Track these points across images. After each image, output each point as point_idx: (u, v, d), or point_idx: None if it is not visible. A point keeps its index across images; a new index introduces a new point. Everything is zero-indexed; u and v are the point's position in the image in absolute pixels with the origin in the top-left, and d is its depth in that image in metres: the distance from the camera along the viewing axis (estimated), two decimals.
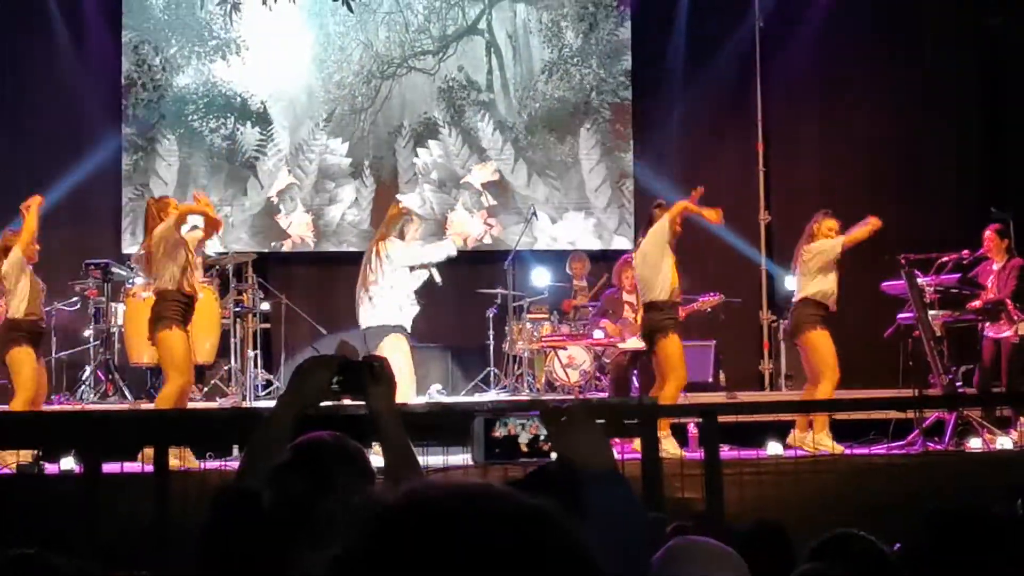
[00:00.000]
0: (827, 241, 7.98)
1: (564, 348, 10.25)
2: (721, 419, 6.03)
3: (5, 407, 7.71)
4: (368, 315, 7.72)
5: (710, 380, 10.27)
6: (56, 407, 9.25)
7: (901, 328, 8.72)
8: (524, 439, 2.34)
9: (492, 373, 10.77)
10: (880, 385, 9.23)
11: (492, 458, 2.34)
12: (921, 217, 11.43)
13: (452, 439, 5.74)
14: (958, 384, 8.70)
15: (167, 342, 7.33)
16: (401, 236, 7.80)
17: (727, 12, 12.27)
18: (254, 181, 12.03)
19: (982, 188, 11.82)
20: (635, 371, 9.34)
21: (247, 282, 10.39)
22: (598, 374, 10.26)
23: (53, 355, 10.05)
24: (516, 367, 10.43)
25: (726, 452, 6.53)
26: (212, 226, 7.87)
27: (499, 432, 2.35)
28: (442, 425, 5.41)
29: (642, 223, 8.86)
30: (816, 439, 7.61)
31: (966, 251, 8.87)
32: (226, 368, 10.04)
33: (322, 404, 2.49)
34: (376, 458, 2.45)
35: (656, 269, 7.90)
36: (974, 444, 7.81)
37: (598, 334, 9.75)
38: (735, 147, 12.18)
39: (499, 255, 11.40)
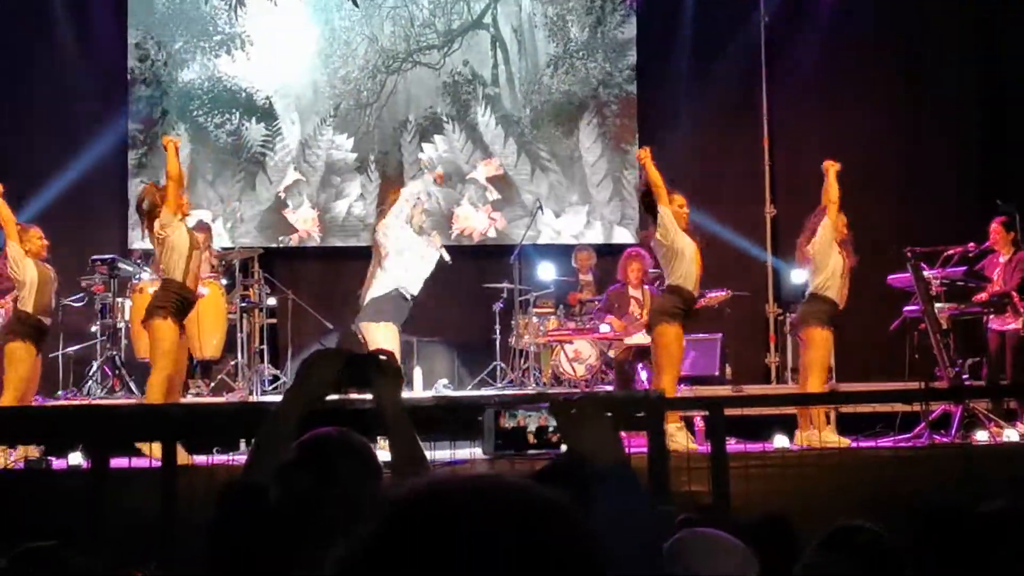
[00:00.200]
0: (822, 226, 8.02)
1: (570, 342, 10.25)
2: (727, 412, 6.05)
3: None
4: (375, 286, 7.92)
5: (716, 373, 10.26)
6: (63, 402, 9.26)
7: (907, 321, 8.71)
8: (533, 430, 2.34)
9: (498, 367, 10.77)
10: (886, 378, 9.21)
11: (501, 449, 2.34)
12: (925, 211, 11.40)
13: (459, 433, 5.75)
14: (964, 377, 8.68)
15: (158, 332, 7.36)
16: (409, 220, 8.09)
17: (733, 7, 12.23)
18: (262, 176, 12.03)
19: (984, 182, 11.77)
20: (639, 365, 9.33)
21: (254, 277, 10.41)
22: (604, 368, 10.26)
23: (60, 351, 10.07)
24: (522, 361, 10.43)
25: (732, 445, 6.53)
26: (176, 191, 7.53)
27: (508, 424, 2.35)
28: (449, 419, 5.42)
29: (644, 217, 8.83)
30: (822, 438, 7.60)
31: (972, 244, 8.84)
32: (233, 363, 10.04)
33: (328, 398, 2.47)
34: (382, 453, 2.45)
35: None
36: (980, 436, 7.79)
37: (604, 328, 9.74)
38: (740, 142, 12.14)
39: (504, 249, 11.39)
